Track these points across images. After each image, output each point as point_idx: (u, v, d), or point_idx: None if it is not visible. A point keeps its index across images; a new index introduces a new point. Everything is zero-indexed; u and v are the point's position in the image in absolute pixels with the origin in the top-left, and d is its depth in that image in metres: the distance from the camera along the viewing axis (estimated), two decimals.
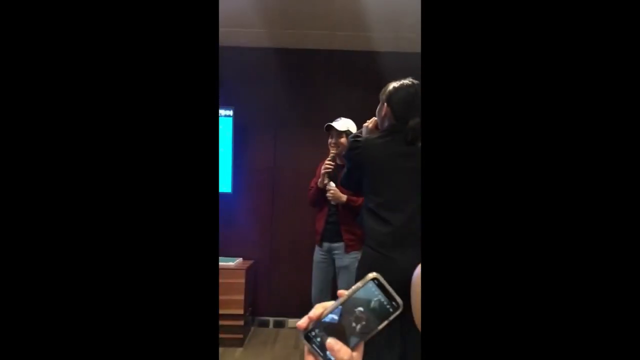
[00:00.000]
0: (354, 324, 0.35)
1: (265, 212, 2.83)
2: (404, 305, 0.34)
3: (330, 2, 2.17)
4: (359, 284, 0.35)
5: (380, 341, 1.18)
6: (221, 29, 2.53)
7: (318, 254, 2.05)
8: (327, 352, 0.34)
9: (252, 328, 2.74)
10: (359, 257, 1.39)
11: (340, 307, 0.35)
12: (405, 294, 0.39)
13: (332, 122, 1.94)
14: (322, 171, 1.90)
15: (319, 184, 1.94)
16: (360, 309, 0.35)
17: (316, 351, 0.35)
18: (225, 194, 2.70)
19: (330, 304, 0.36)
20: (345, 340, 0.34)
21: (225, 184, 2.69)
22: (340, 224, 1.93)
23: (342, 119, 1.97)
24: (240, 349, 2.40)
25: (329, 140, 1.95)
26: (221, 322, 2.39)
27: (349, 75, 2.79)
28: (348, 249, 1.91)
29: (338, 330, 0.35)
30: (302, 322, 0.36)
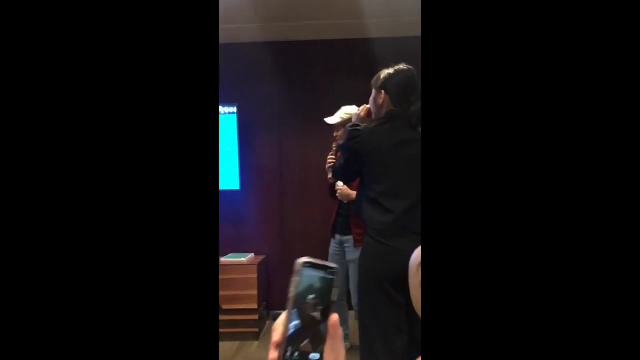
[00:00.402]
0: (314, 313, 0.34)
1: (274, 206, 2.85)
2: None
3: None
4: (294, 277, 0.35)
5: (388, 327, 1.19)
6: (222, 26, 2.52)
7: (332, 246, 2.08)
8: None
9: (267, 322, 2.78)
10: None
11: (293, 310, 0.34)
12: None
13: (336, 112, 1.93)
14: (327, 166, 1.90)
15: (329, 179, 1.95)
16: (310, 296, 0.34)
17: None
18: (233, 191, 2.72)
19: (282, 317, 0.34)
20: (317, 330, 0.33)
21: (233, 181, 2.71)
22: (350, 217, 1.95)
23: (345, 107, 1.93)
24: (256, 342, 2.44)
25: (334, 133, 1.95)
26: (236, 317, 2.43)
27: (351, 63, 2.77)
28: (356, 243, 1.92)
29: (307, 330, 0.34)
30: (273, 355, 0.33)
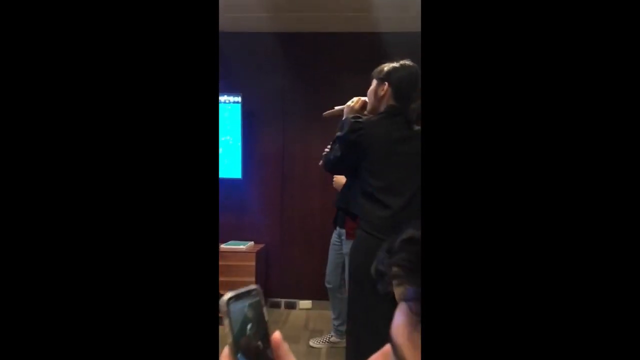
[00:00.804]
0: (257, 343, 0.33)
1: (275, 196, 2.88)
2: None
3: None
4: (225, 319, 0.33)
5: (378, 320, 1.16)
6: (227, 15, 2.53)
7: (333, 236, 2.11)
8: None
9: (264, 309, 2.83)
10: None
11: (234, 346, 0.33)
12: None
13: (338, 104, 1.93)
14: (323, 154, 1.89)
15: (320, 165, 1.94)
16: (248, 327, 0.33)
17: None
18: (235, 180, 2.75)
19: (225, 352, 0.33)
20: (266, 357, 0.33)
21: (235, 170, 2.74)
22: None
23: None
24: None
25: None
26: None
27: (355, 56, 2.77)
28: (348, 237, 1.95)
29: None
30: None
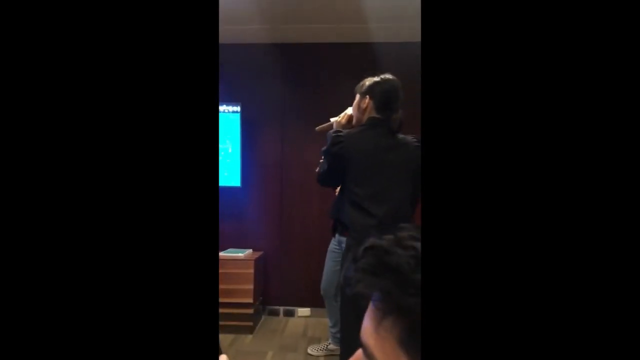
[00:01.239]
0: None
1: (274, 204, 2.90)
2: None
3: None
4: None
5: (356, 333, 1.22)
6: (227, 27, 2.58)
7: (332, 243, 2.13)
8: None
9: (263, 317, 2.84)
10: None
11: None
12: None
13: (336, 113, 1.97)
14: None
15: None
16: None
17: None
18: (234, 188, 2.77)
19: None
20: None
21: (234, 178, 2.77)
22: None
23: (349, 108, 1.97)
24: (250, 336, 2.50)
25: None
26: (232, 310, 2.49)
27: (353, 66, 2.82)
28: None
29: None
30: None
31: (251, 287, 2.51)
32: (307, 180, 2.83)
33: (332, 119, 1.74)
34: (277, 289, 2.90)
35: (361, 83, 1.39)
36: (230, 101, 2.76)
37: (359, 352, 0.36)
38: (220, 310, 2.48)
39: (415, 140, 1.37)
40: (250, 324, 2.53)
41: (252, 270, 2.53)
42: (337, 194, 1.87)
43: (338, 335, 2.18)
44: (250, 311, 2.53)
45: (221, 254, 2.62)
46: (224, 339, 2.43)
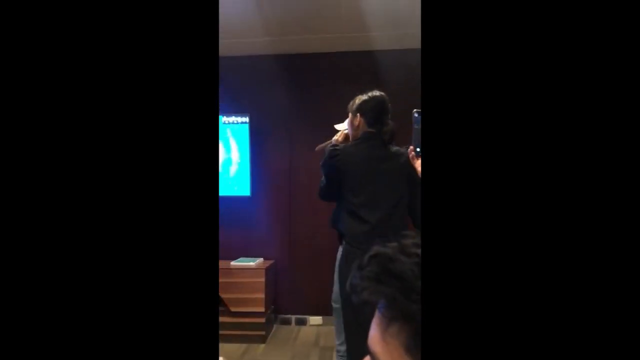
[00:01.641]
0: None
1: (283, 213, 2.92)
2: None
3: (335, 5, 2.24)
4: None
5: (359, 337, 1.29)
6: (234, 40, 2.64)
7: (339, 251, 2.12)
8: None
9: (275, 325, 2.84)
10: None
11: None
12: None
13: (342, 121, 1.99)
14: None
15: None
16: None
17: None
18: (244, 197, 2.81)
19: None
20: None
21: (244, 188, 2.80)
22: None
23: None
24: (262, 345, 2.50)
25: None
26: (244, 320, 2.50)
27: (358, 74, 2.85)
28: None
29: None
30: None
31: (263, 296, 2.52)
32: (316, 188, 2.84)
33: (327, 142, 1.80)
34: (288, 298, 2.90)
35: (352, 102, 1.51)
36: (238, 112, 2.81)
37: (367, 359, 0.37)
38: (232, 320, 2.49)
39: (405, 149, 1.45)
40: (263, 333, 2.53)
41: (263, 279, 2.54)
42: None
43: (345, 356, 2.14)
44: (262, 320, 2.53)
45: (232, 263, 2.64)
46: (236, 348, 2.43)
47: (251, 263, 2.62)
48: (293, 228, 2.92)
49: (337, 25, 2.49)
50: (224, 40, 2.62)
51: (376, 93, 1.48)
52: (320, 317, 2.85)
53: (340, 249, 2.09)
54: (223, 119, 2.82)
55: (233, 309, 2.51)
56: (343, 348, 2.17)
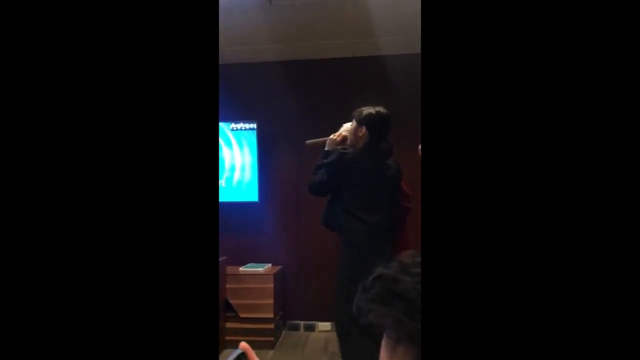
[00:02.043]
0: None
1: (291, 218, 2.93)
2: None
3: (341, 11, 2.26)
4: None
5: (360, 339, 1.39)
6: (241, 48, 2.67)
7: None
8: None
9: (284, 331, 2.83)
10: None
11: None
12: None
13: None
14: None
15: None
16: None
17: None
18: (253, 203, 2.82)
19: None
20: None
21: (252, 194, 2.81)
22: None
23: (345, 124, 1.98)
24: (271, 352, 2.49)
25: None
26: (252, 326, 2.50)
27: (363, 79, 2.85)
28: None
29: None
30: None
31: (271, 301, 2.52)
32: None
33: (320, 139, 1.85)
34: (296, 304, 2.90)
35: (359, 111, 1.65)
36: (246, 119, 2.83)
37: None
38: (242, 326, 2.49)
39: (395, 164, 1.69)
40: (272, 339, 2.53)
41: (272, 285, 2.54)
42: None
43: None
44: (271, 326, 2.53)
45: (241, 268, 2.65)
46: None
47: (260, 269, 2.63)
48: (301, 233, 2.92)
49: (344, 31, 2.50)
50: (231, 47, 2.65)
51: (382, 110, 1.64)
52: (329, 323, 2.84)
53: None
54: (231, 126, 2.84)
55: (242, 315, 2.51)
56: None
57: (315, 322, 2.87)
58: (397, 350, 0.35)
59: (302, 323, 2.89)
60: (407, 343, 0.34)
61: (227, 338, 2.47)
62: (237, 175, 2.85)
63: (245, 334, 2.47)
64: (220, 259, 2.48)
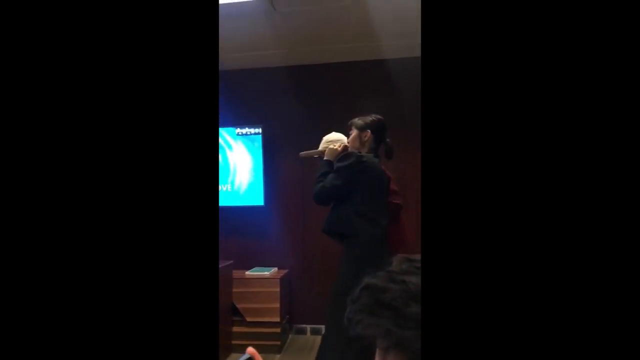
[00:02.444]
0: None
1: (297, 222, 2.93)
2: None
3: (345, 16, 2.28)
4: None
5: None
6: (246, 54, 2.70)
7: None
8: None
9: (290, 335, 2.83)
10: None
11: None
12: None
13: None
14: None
15: None
16: None
17: None
18: (258, 207, 2.83)
19: None
20: None
21: (258, 198, 2.83)
22: None
23: (328, 135, 1.96)
24: (278, 356, 2.49)
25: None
26: (259, 330, 2.50)
27: (367, 84, 2.87)
28: None
29: None
30: None
31: (278, 305, 2.52)
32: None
33: (314, 150, 1.86)
34: (303, 307, 2.90)
35: (361, 120, 1.73)
36: (251, 123, 2.86)
37: None
38: (248, 330, 2.50)
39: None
40: (278, 343, 2.53)
41: (278, 289, 2.54)
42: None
43: None
44: (278, 330, 2.53)
45: (247, 272, 2.66)
46: None
47: (266, 272, 2.64)
48: (306, 237, 2.93)
49: (348, 36, 2.52)
50: (237, 53, 2.68)
51: (379, 116, 1.75)
52: None
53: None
54: (237, 130, 2.87)
55: (249, 319, 2.52)
56: None
57: (322, 326, 2.87)
58: (388, 358, 0.35)
59: (308, 327, 2.88)
60: (396, 350, 0.34)
61: (234, 342, 2.48)
62: (242, 180, 2.87)
63: (251, 338, 2.47)
64: (226, 263, 2.49)
